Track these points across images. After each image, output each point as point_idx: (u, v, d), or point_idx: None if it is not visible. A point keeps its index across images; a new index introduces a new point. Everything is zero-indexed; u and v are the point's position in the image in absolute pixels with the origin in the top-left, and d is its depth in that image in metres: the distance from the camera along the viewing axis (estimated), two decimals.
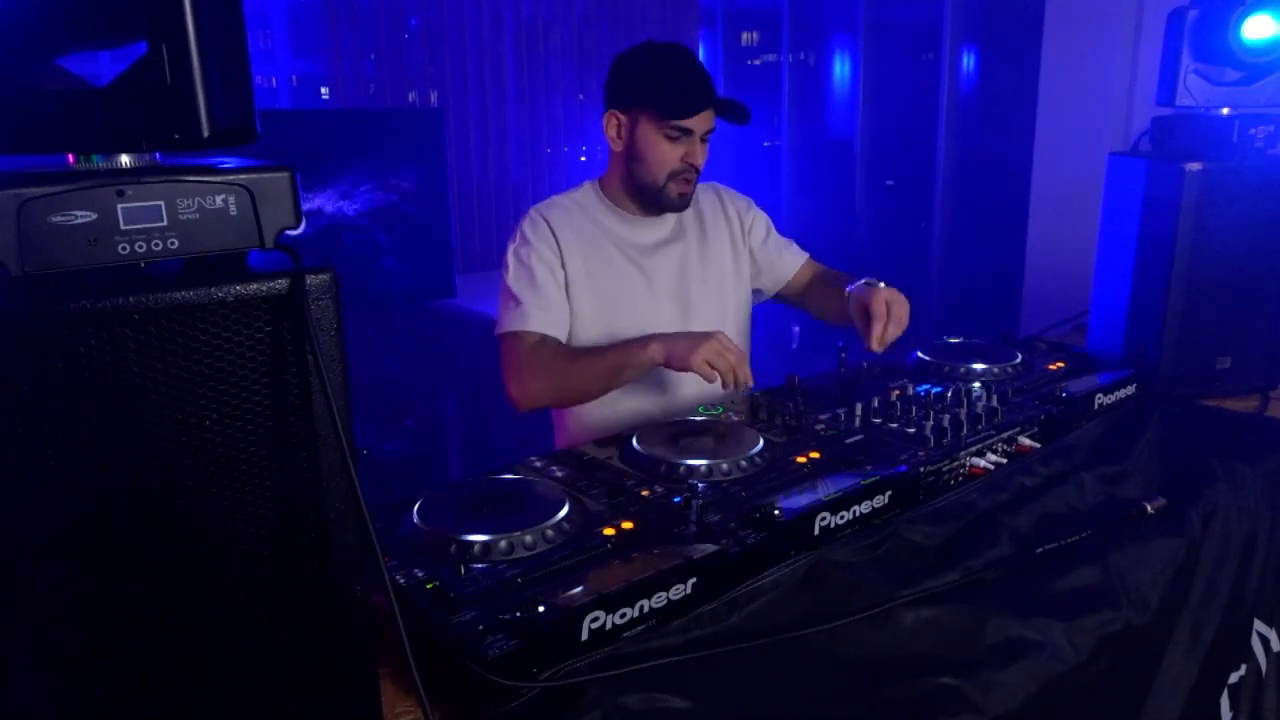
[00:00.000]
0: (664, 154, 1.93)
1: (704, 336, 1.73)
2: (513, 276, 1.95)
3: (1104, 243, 2.27)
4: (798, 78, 5.60)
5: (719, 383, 1.72)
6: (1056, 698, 1.18)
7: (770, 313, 2.43)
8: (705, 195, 2.16)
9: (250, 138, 0.91)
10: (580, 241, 1.99)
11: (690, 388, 2.01)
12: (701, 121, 1.92)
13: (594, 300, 1.98)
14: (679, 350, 1.73)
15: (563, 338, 1.95)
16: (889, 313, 1.78)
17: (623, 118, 1.96)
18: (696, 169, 1.96)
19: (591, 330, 1.98)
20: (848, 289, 1.90)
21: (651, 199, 2.00)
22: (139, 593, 0.86)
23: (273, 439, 0.89)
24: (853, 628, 1.18)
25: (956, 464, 1.56)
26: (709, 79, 1.93)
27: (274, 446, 0.89)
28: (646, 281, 2.03)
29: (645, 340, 1.79)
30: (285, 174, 0.88)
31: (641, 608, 1.12)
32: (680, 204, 2.01)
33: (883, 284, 1.87)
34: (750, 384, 1.75)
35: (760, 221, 2.22)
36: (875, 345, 1.78)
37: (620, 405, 1.99)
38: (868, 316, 1.80)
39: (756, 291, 2.25)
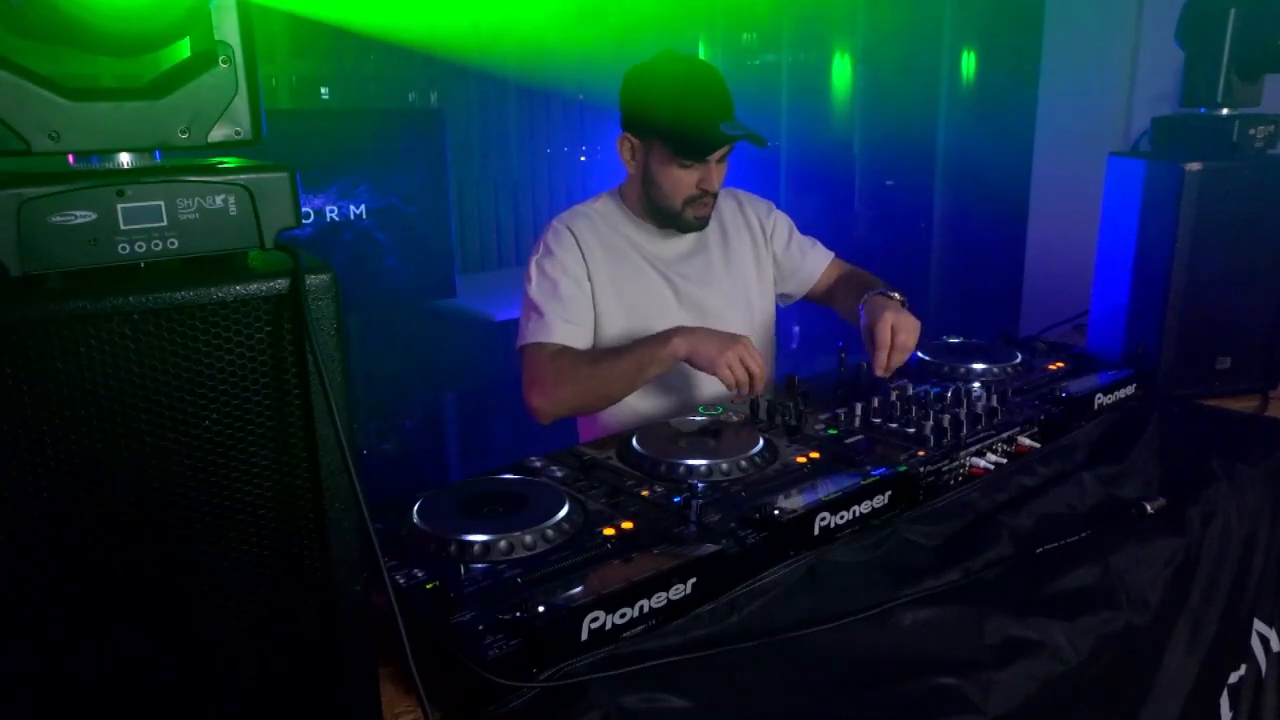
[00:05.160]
0: (679, 180, 1.90)
1: (730, 339, 1.72)
2: (535, 288, 1.92)
3: (1104, 243, 2.28)
4: (798, 78, 5.59)
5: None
6: (1056, 698, 1.18)
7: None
8: (725, 202, 2.13)
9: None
10: (606, 252, 1.97)
11: (712, 388, 1.99)
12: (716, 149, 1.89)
13: (620, 311, 1.96)
14: (704, 350, 1.72)
15: (585, 348, 1.92)
16: (893, 341, 1.76)
17: (636, 142, 1.93)
18: (713, 193, 1.94)
19: (616, 340, 1.96)
20: (859, 304, 1.88)
21: (670, 221, 1.98)
22: (139, 592, 0.86)
23: (273, 439, 0.89)
24: (853, 628, 1.18)
25: (956, 464, 1.55)
26: (725, 102, 1.87)
27: (274, 446, 0.89)
28: (672, 292, 2.01)
29: (668, 335, 1.76)
30: (285, 174, 0.88)
31: (641, 608, 1.12)
32: (698, 225, 1.99)
33: (896, 296, 1.85)
34: (760, 394, 1.74)
35: (782, 225, 2.20)
36: (879, 371, 1.78)
37: (641, 405, 1.97)
38: (874, 338, 1.79)
39: (784, 295, 2.24)
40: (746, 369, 1.70)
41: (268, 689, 0.95)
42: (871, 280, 2.09)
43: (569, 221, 1.98)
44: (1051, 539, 1.40)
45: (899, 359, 1.77)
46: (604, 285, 1.95)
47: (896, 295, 1.87)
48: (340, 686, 0.98)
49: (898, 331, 1.76)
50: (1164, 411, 1.85)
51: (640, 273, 2.00)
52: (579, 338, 1.90)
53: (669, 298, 2.01)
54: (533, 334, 1.89)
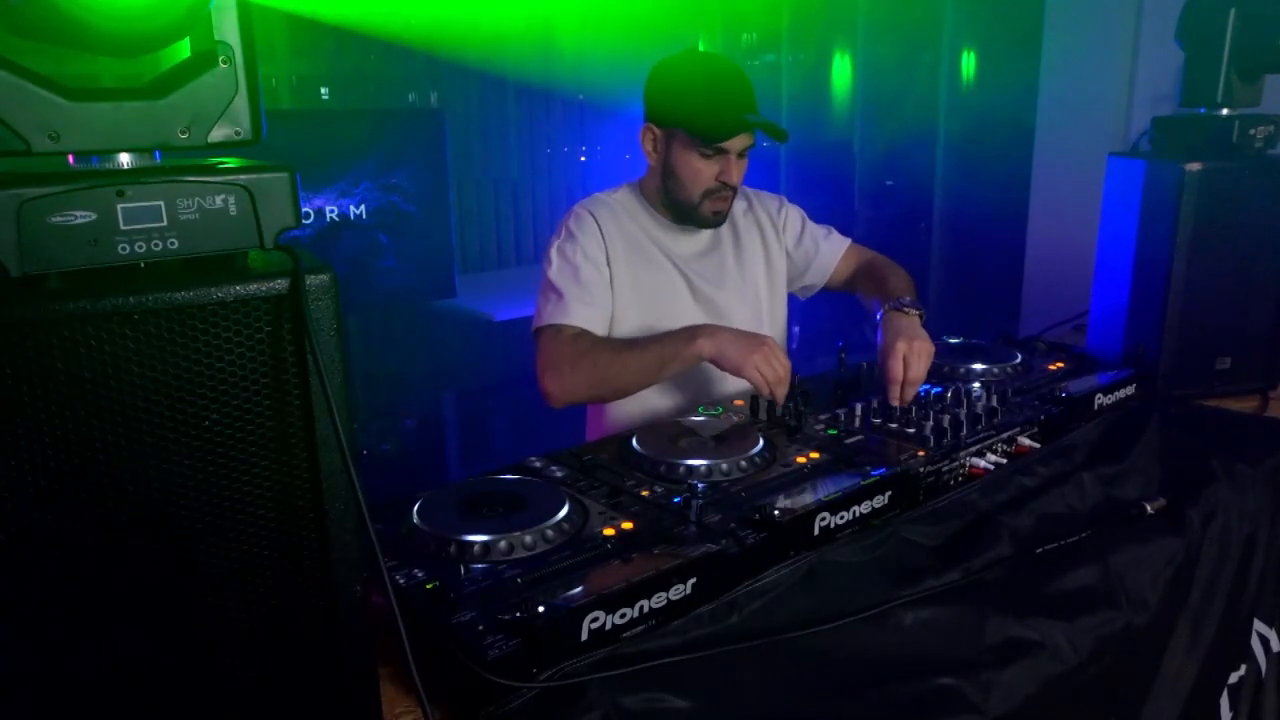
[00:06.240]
0: (698, 171, 1.89)
1: (757, 342, 1.69)
2: (556, 271, 1.90)
3: (1104, 243, 2.28)
4: (798, 78, 5.59)
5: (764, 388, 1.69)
6: (1056, 698, 1.18)
7: None
8: (735, 203, 2.09)
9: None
10: (625, 242, 1.97)
11: (725, 385, 1.98)
12: (738, 141, 1.88)
13: (636, 302, 1.96)
14: (730, 351, 1.69)
15: (603, 334, 1.90)
16: (906, 375, 1.73)
17: (659, 132, 1.93)
18: (732, 188, 1.93)
19: (629, 331, 1.95)
20: (877, 315, 1.86)
21: (686, 215, 1.98)
22: (139, 593, 0.86)
23: (273, 439, 0.89)
24: (853, 628, 1.18)
25: (956, 464, 1.56)
26: (749, 96, 1.87)
27: (274, 446, 0.89)
28: (688, 287, 2.01)
29: (692, 333, 1.73)
30: (285, 174, 0.88)
31: (641, 608, 1.12)
32: (715, 222, 1.99)
33: (912, 312, 1.82)
34: (783, 398, 1.71)
35: (793, 218, 2.19)
36: (894, 403, 1.75)
37: (656, 401, 1.97)
38: (886, 372, 1.75)
39: (806, 287, 2.22)
40: (774, 372, 1.67)
41: (268, 689, 0.95)
42: (891, 277, 2.04)
43: (591, 207, 1.98)
44: (1051, 539, 1.40)
45: (910, 392, 1.74)
46: (622, 274, 1.94)
47: (913, 312, 1.83)
48: (340, 686, 0.98)
49: (909, 366, 1.73)
50: (1164, 411, 1.85)
51: (657, 265, 1.99)
52: (597, 322, 1.88)
53: (684, 293, 2.01)
54: (550, 316, 1.86)
